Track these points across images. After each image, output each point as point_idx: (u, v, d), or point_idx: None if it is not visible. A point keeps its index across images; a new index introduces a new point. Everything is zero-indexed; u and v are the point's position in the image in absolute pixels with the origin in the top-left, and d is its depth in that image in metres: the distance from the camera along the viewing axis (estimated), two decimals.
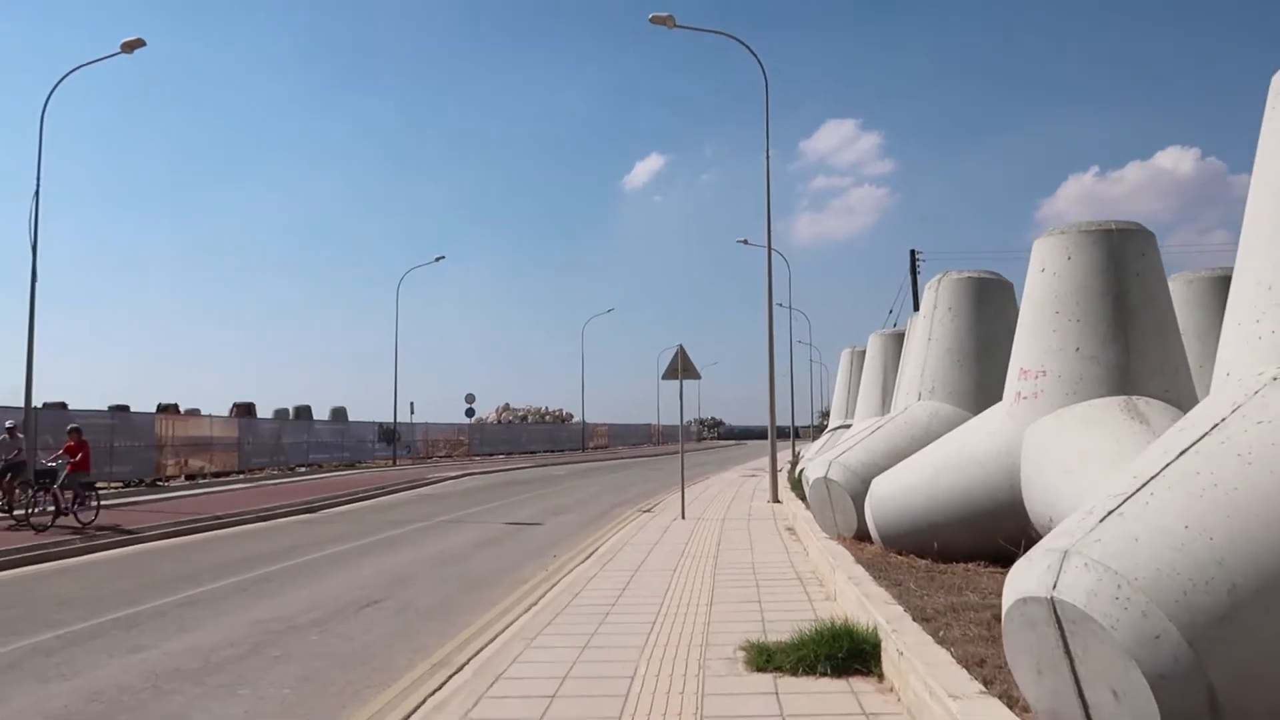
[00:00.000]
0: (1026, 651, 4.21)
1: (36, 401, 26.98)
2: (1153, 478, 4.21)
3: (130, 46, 23.56)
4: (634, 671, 6.58)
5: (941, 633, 6.04)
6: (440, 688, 6.57)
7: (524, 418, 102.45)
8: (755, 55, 22.91)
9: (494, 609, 9.78)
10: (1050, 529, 8.00)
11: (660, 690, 6.09)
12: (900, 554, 9.92)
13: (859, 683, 6.07)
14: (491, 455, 62.71)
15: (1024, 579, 4.18)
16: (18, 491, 17.24)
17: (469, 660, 7.33)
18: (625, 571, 11.30)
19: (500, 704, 5.94)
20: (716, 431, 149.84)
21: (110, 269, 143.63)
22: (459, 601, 10.33)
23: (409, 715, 5.98)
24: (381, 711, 6.26)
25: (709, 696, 5.93)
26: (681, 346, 18.91)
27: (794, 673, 6.30)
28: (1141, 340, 8.65)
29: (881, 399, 20.22)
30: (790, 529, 15.52)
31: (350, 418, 54.22)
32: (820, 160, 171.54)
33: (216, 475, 35.35)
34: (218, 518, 18.91)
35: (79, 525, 16.61)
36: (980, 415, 10.49)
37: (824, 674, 6.20)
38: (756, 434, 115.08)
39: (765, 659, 6.53)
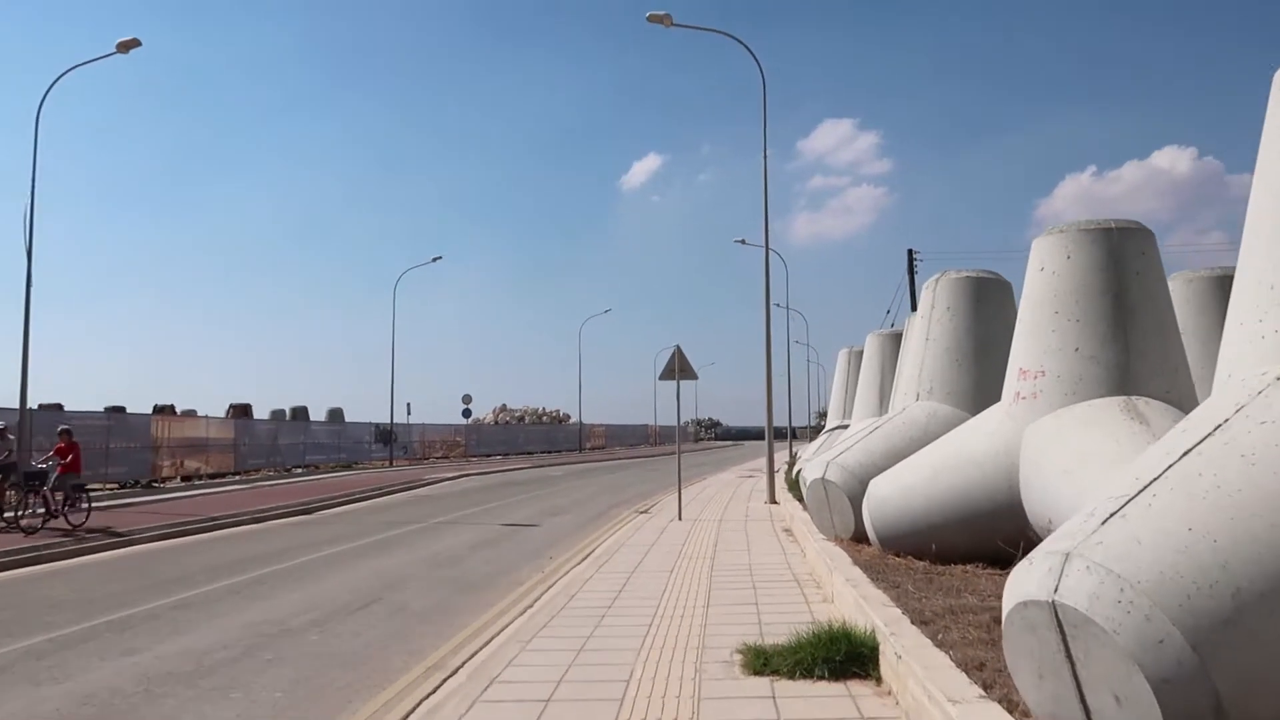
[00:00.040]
0: (1027, 655, 4.15)
1: (32, 403, 26.93)
2: (1155, 479, 4.16)
3: (126, 46, 23.48)
4: (630, 675, 6.52)
5: (940, 635, 5.98)
6: (435, 691, 6.50)
7: (521, 418, 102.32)
8: (753, 54, 22.88)
9: (490, 611, 9.72)
10: (1049, 530, 7.96)
11: (656, 694, 6.03)
12: (898, 555, 9.87)
13: (857, 686, 6.01)
14: (488, 456, 62.62)
15: (1025, 582, 4.12)
16: (8, 494, 17.10)
17: (464, 663, 7.25)
18: (622, 573, 11.24)
19: (495, 708, 5.88)
20: (714, 432, 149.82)
21: (106, 269, 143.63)
22: (455, 603, 10.26)
23: (403, 719, 5.92)
24: (375, 715, 6.20)
25: (705, 700, 5.87)
26: (679, 347, 18.86)
27: (791, 676, 6.24)
28: (1141, 340, 8.60)
29: (879, 399, 20.18)
30: (787, 530, 15.46)
31: (347, 419, 54.09)
32: (818, 160, 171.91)
33: (213, 476, 35.24)
34: (213, 519, 18.83)
35: (70, 527, 16.47)
36: (979, 416, 10.44)
37: (821, 677, 6.15)
38: (754, 434, 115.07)
39: (762, 662, 6.48)
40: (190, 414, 38.56)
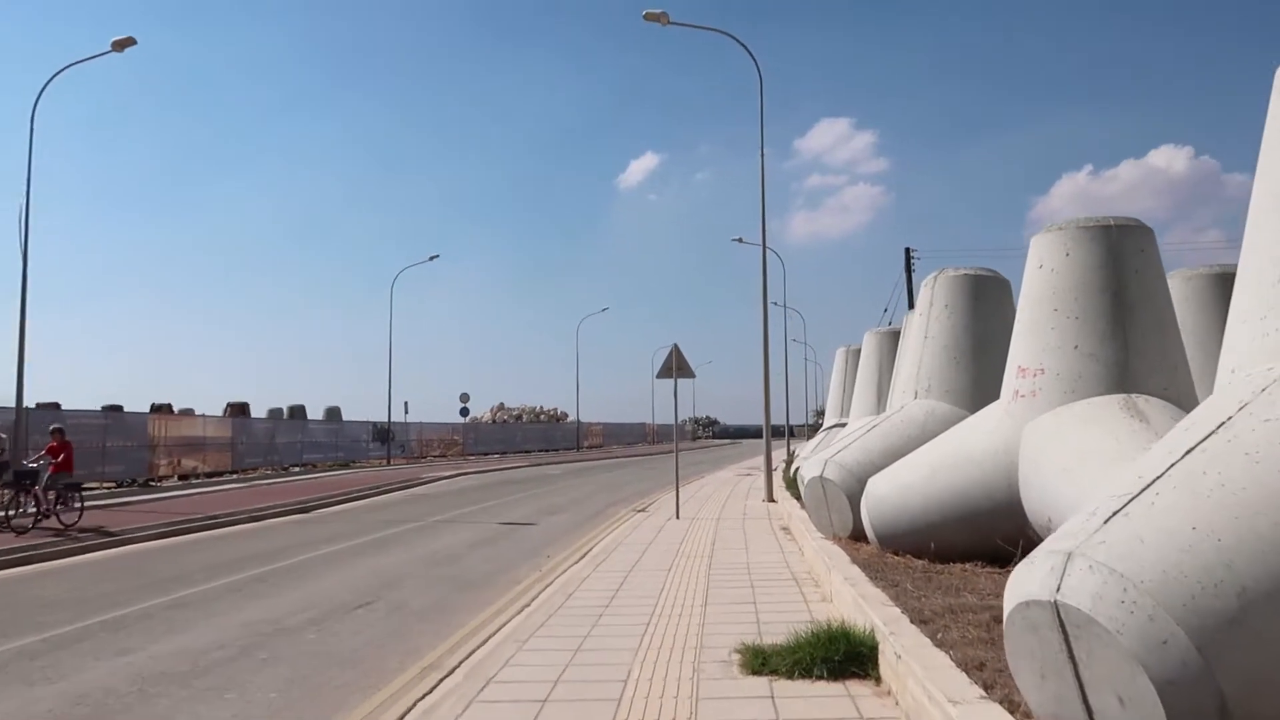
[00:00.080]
0: (1029, 656, 4.10)
1: (29, 402, 26.88)
2: (1158, 477, 4.11)
3: (121, 45, 23.43)
4: (627, 675, 6.48)
5: (940, 635, 5.94)
6: (431, 691, 6.45)
7: (519, 417, 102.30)
8: (750, 52, 22.82)
9: (487, 610, 9.67)
10: (1049, 529, 7.93)
11: (654, 694, 5.99)
12: (897, 554, 9.83)
13: (856, 686, 5.97)
14: (486, 455, 62.58)
15: (1026, 581, 4.08)
16: (1, 493, 16.94)
17: (461, 663, 7.20)
18: (619, 572, 11.20)
19: (491, 708, 5.84)
20: (711, 430, 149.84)
21: (104, 269, 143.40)
22: (452, 602, 10.22)
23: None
24: (370, 716, 6.15)
25: (704, 700, 5.83)
26: (676, 345, 18.83)
27: (790, 676, 6.20)
28: (1140, 337, 8.56)
29: (877, 397, 20.14)
30: (785, 529, 15.42)
31: (344, 417, 54.06)
32: (815, 158, 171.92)
33: (210, 475, 35.19)
34: (210, 518, 18.77)
35: (62, 527, 16.33)
36: (977, 414, 10.40)
37: (820, 677, 6.11)
38: (751, 433, 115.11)
39: (760, 662, 6.44)
40: (187, 413, 38.54)
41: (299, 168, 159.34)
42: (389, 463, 49.00)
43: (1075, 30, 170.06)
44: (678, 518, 17.68)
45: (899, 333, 18.81)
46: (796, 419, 72.05)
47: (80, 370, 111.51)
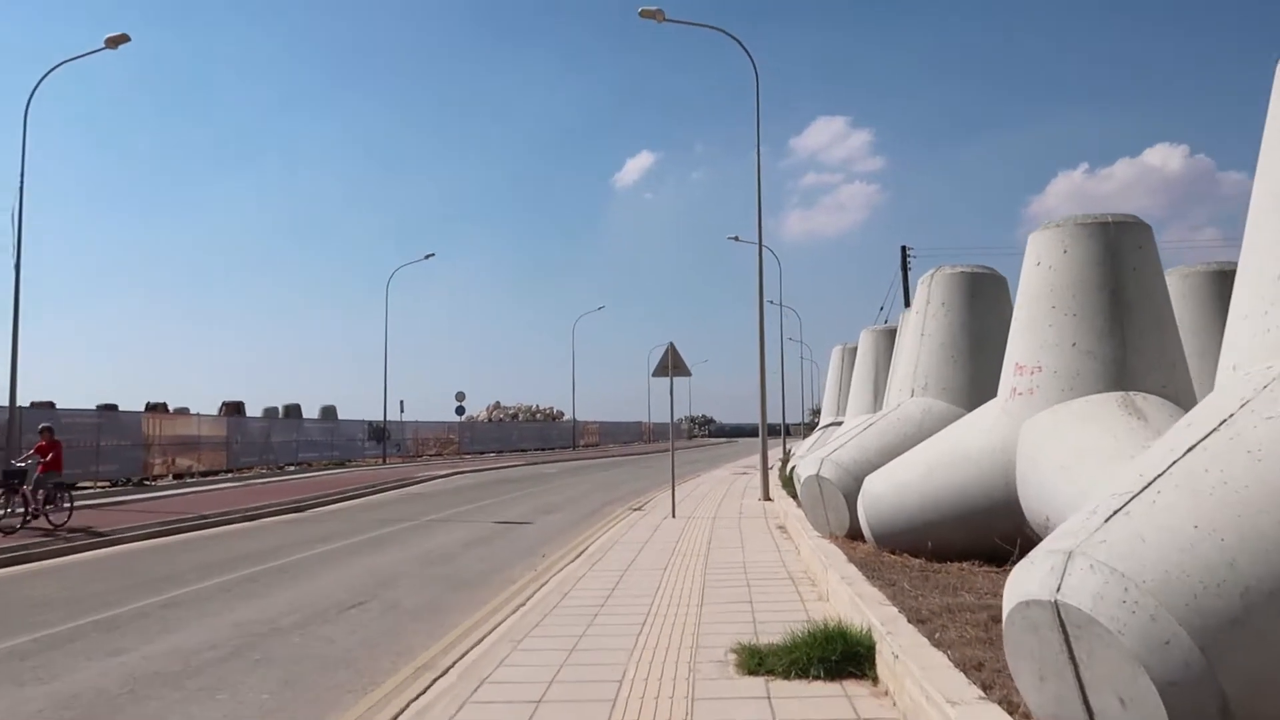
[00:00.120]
0: (1028, 656, 4.05)
1: (24, 401, 26.78)
2: (1159, 475, 4.06)
3: (115, 42, 23.35)
4: (623, 675, 6.42)
5: (937, 634, 5.89)
6: (424, 692, 6.40)
7: (514, 416, 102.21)
8: (745, 50, 22.77)
9: (482, 609, 9.62)
10: (1047, 527, 7.88)
11: (649, 694, 5.94)
12: (894, 553, 9.78)
13: (853, 686, 5.92)
14: (482, 453, 62.51)
15: (1026, 581, 4.03)
16: None
17: (454, 663, 7.16)
18: (615, 571, 11.15)
19: (485, 709, 5.78)
20: (707, 429, 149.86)
21: (99, 268, 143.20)
22: (446, 602, 10.17)
23: None
24: (363, 717, 6.11)
25: (699, 701, 5.78)
26: (672, 344, 18.78)
27: (786, 676, 6.15)
28: (1139, 335, 8.51)
29: (873, 396, 20.09)
30: (782, 527, 15.38)
31: (340, 416, 54.02)
32: (811, 157, 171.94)
33: (205, 474, 35.09)
34: (203, 517, 18.69)
35: (51, 527, 16.19)
36: (975, 412, 10.35)
37: (817, 677, 6.06)
38: (748, 431, 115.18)
39: (757, 661, 6.38)
40: (182, 412, 38.42)
41: (295, 167, 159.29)
42: (384, 461, 48.92)
43: (1071, 29, 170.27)
44: (674, 516, 17.63)
45: (895, 331, 18.75)
46: (793, 417, 72.15)
47: (75, 370, 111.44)
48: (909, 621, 6.27)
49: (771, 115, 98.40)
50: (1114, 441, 7.63)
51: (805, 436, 43.79)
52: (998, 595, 7.09)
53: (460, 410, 58.61)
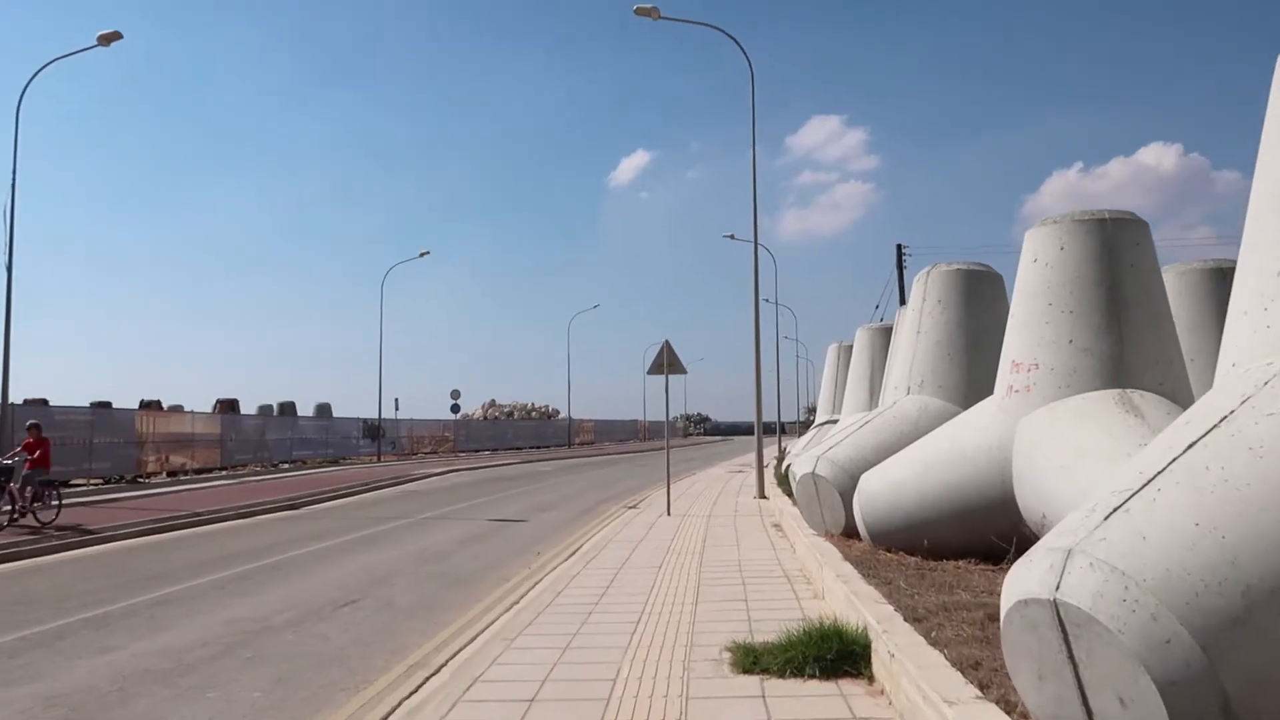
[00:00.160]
0: (1027, 656, 4.00)
1: (17, 398, 26.68)
2: (1159, 473, 4.01)
3: (107, 39, 23.24)
4: (616, 674, 6.37)
5: (934, 633, 5.85)
6: (416, 690, 6.35)
7: (510, 414, 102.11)
8: (741, 47, 22.72)
9: (475, 608, 9.56)
10: (1043, 525, 7.84)
11: (643, 693, 5.89)
12: (889, 551, 9.74)
13: (849, 685, 5.87)
14: (477, 451, 62.42)
15: (1025, 579, 3.97)
16: None
17: (447, 661, 7.11)
18: (609, 569, 11.09)
19: (477, 708, 5.73)
20: (703, 427, 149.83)
21: (93, 266, 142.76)
22: (440, 600, 10.11)
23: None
24: (354, 716, 6.04)
25: (694, 700, 5.72)
26: (667, 341, 18.74)
27: (781, 675, 6.10)
28: (1136, 332, 8.48)
29: (869, 394, 20.05)
30: (777, 526, 15.33)
31: (335, 414, 53.90)
32: (806, 156, 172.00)
33: (199, 472, 34.99)
34: (196, 515, 18.61)
35: (38, 525, 16.06)
36: (971, 409, 10.31)
37: (812, 676, 6.01)
38: (743, 430, 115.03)
39: (752, 660, 6.33)
40: (176, 409, 38.29)
41: (290, 165, 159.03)
42: (379, 459, 48.83)
43: (1067, 28, 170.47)
44: (669, 514, 17.58)
45: (891, 329, 18.72)
46: (788, 416, 72.11)
47: (70, 368, 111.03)
48: (905, 620, 6.22)
49: (767, 114, 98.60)
50: (1111, 439, 7.59)
51: (800, 435, 43.78)
52: (994, 593, 7.05)
53: (455, 408, 58.58)
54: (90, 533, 15.62)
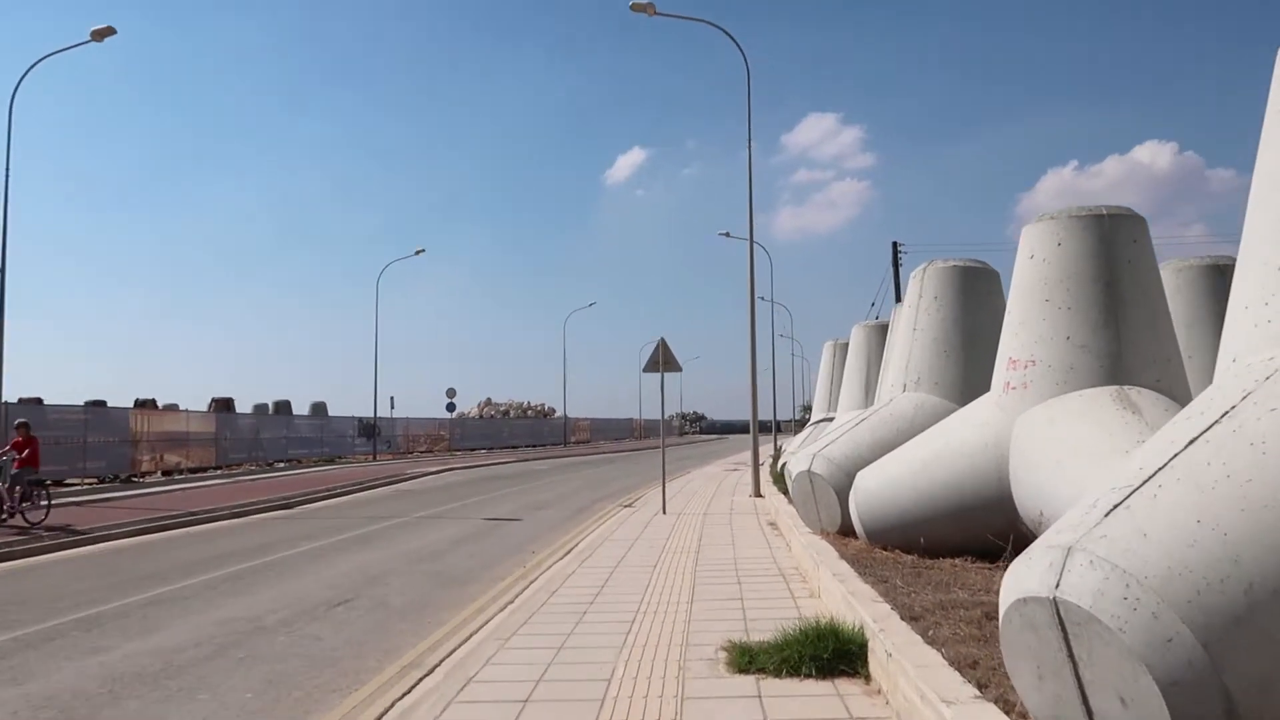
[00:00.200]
0: (1026, 655, 3.95)
1: (10, 397, 26.58)
2: (1160, 469, 3.96)
3: (100, 35, 23.14)
4: (611, 673, 6.32)
5: (931, 632, 5.80)
6: (409, 691, 6.29)
7: (505, 412, 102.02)
8: (736, 43, 22.66)
9: (470, 607, 9.50)
10: (1040, 523, 7.79)
11: (638, 693, 5.83)
12: (885, 549, 9.69)
13: (845, 684, 5.82)
14: (473, 450, 62.32)
15: (1024, 577, 3.92)
16: None
17: (441, 662, 7.04)
18: (604, 568, 11.04)
19: (470, 709, 5.67)
20: (698, 426, 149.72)
21: (90, 265, 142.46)
22: (434, 600, 10.04)
23: None
24: (346, 717, 5.98)
25: (689, 700, 5.67)
26: (663, 339, 18.69)
27: (777, 674, 6.05)
28: (1133, 329, 8.42)
29: (865, 392, 20.02)
30: (773, 524, 15.29)
31: (330, 413, 53.83)
32: (802, 154, 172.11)
33: (194, 471, 34.89)
34: (190, 514, 18.51)
35: (27, 525, 15.91)
36: (967, 406, 10.26)
37: (809, 675, 5.96)
38: (739, 428, 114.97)
39: (748, 660, 6.28)
40: (172, 408, 38.18)
41: (285, 163, 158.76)
42: (375, 458, 48.75)
43: (1062, 27, 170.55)
44: (664, 513, 17.53)
45: (887, 326, 18.68)
46: (784, 414, 72.18)
47: (66, 367, 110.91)
48: (902, 619, 6.17)
49: (763, 111, 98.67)
50: (1108, 437, 7.54)
51: (796, 433, 43.75)
52: (991, 591, 7.01)
53: (451, 407, 58.51)
54: (80, 533, 15.47)
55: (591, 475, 34.15)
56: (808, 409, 56.13)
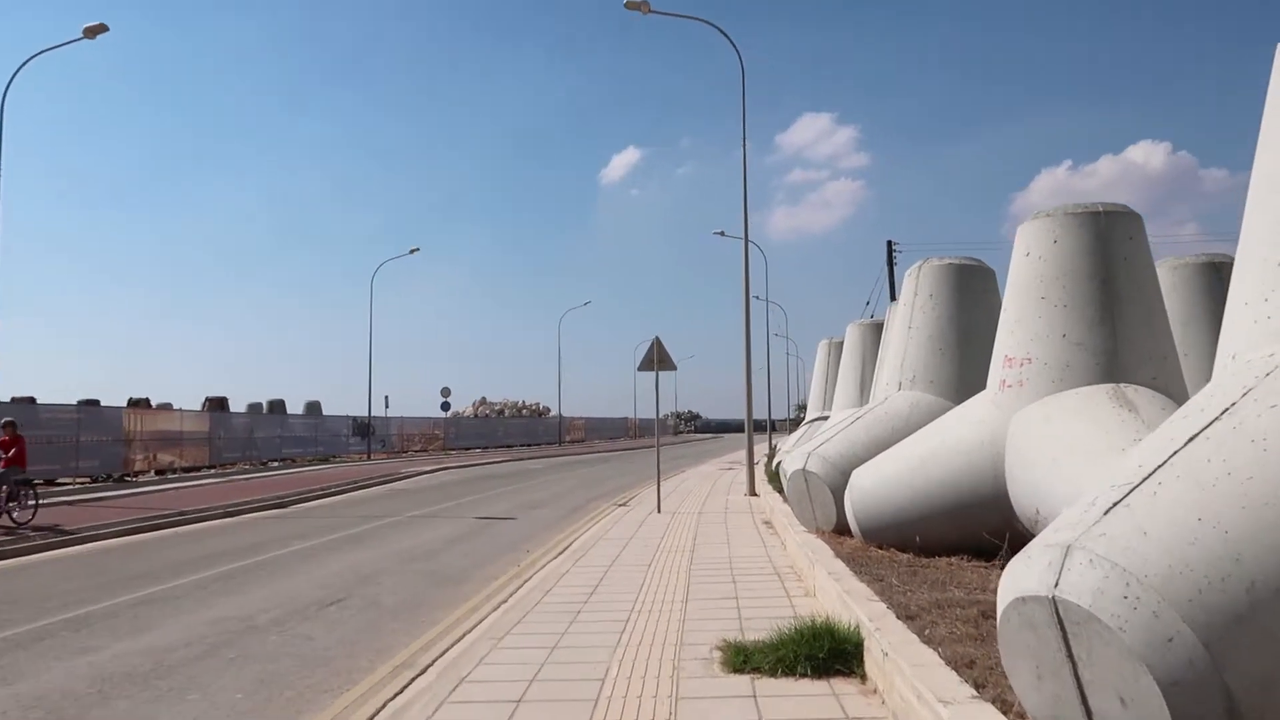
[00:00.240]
0: (1025, 655, 3.90)
1: (4, 396, 26.47)
2: (1160, 466, 3.91)
3: (93, 31, 23.03)
4: (605, 673, 6.27)
5: (927, 631, 5.76)
6: (401, 691, 6.24)
7: (500, 412, 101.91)
8: (731, 41, 22.61)
9: (463, 607, 9.45)
10: (1037, 521, 7.75)
11: (632, 693, 5.78)
12: (881, 548, 9.65)
13: (841, 684, 5.78)
14: (467, 449, 62.23)
15: (1022, 576, 3.87)
16: None
17: (433, 662, 7.00)
18: (598, 568, 10.99)
19: (463, 709, 5.62)
20: (693, 425, 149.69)
21: (83, 264, 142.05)
22: (427, 599, 9.98)
23: None
24: (338, 718, 5.92)
25: (683, 700, 5.62)
26: (657, 338, 18.64)
27: (773, 674, 6.01)
28: (1129, 326, 8.39)
29: (860, 390, 19.99)
30: (768, 523, 15.24)
31: (324, 412, 53.66)
32: (797, 153, 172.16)
33: (187, 470, 34.77)
34: (182, 513, 18.42)
35: (13, 525, 15.77)
36: (963, 404, 10.22)
37: (804, 675, 5.92)
38: (733, 427, 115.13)
39: (742, 659, 6.24)
40: (165, 407, 38.04)
41: (284, 163, 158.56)
42: (369, 457, 48.66)
43: (1057, 26, 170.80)
44: (659, 512, 17.48)
45: (882, 325, 18.65)
46: (779, 413, 72.15)
47: (59, 366, 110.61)
48: (898, 618, 6.13)
49: (758, 111, 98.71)
50: (1105, 435, 7.50)
51: (791, 432, 43.72)
52: (987, 590, 6.98)
53: (446, 406, 58.38)
54: (69, 533, 15.34)
55: (586, 474, 34.09)
56: (803, 408, 56.08)
